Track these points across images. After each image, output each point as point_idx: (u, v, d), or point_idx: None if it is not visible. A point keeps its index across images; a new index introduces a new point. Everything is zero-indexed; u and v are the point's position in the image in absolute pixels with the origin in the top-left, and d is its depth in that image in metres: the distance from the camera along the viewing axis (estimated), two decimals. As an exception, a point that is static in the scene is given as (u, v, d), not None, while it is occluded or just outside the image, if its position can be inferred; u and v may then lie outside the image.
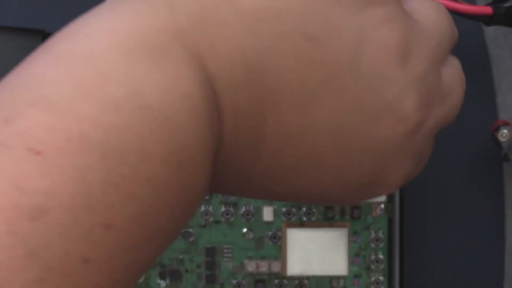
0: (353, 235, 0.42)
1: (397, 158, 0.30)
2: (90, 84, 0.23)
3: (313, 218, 0.42)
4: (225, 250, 0.43)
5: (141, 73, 0.24)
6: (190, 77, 0.25)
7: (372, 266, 0.42)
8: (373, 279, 0.43)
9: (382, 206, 0.42)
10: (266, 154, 0.28)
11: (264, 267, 0.42)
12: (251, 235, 0.42)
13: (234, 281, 0.43)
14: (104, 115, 0.23)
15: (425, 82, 0.29)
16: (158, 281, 0.43)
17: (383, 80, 0.28)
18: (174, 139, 0.24)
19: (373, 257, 0.42)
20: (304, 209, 0.42)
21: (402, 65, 0.29)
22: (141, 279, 0.42)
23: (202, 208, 0.42)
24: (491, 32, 0.43)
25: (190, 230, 0.42)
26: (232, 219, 0.42)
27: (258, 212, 0.42)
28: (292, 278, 0.42)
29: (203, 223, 0.42)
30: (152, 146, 0.23)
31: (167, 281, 0.43)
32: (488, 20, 0.37)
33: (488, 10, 0.37)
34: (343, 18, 0.28)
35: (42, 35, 0.42)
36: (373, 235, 0.42)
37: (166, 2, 0.26)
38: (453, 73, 0.31)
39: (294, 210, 0.42)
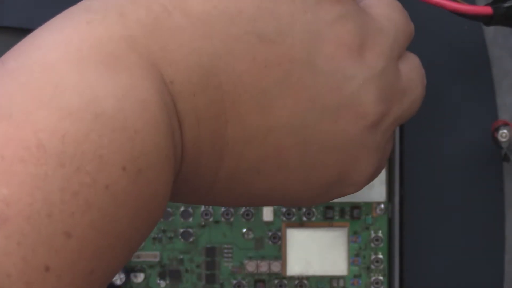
0: (353, 235, 0.42)
1: (360, 154, 0.30)
2: (45, 94, 0.23)
3: (313, 218, 0.42)
4: (225, 250, 0.43)
5: (95, 82, 0.24)
6: (145, 84, 0.25)
7: (372, 266, 0.42)
8: (373, 279, 0.43)
9: (382, 206, 0.42)
10: (229, 158, 0.28)
11: (264, 267, 0.42)
12: (251, 235, 0.42)
13: (234, 281, 0.43)
14: (60, 124, 0.23)
15: (383, 77, 0.29)
16: (158, 281, 0.43)
17: (340, 76, 0.28)
18: (132, 147, 0.24)
19: (373, 257, 0.42)
20: (304, 209, 0.42)
21: (358, 61, 0.29)
22: (141, 279, 0.42)
23: (202, 208, 0.42)
24: (491, 32, 0.43)
25: (190, 230, 0.42)
26: (232, 219, 0.42)
27: (258, 212, 0.42)
28: (292, 278, 0.42)
29: (203, 223, 0.42)
30: (110, 154, 0.23)
31: (167, 281, 0.43)
32: (488, 20, 0.37)
33: (488, 10, 0.37)
34: (295, 16, 0.28)
35: (42, 35, 0.42)
36: (373, 235, 0.42)
37: (117, 10, 0.26)
38: (411, 68, 0.32)
39: (294, 210, 0.42)
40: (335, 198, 0.32)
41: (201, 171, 0.28)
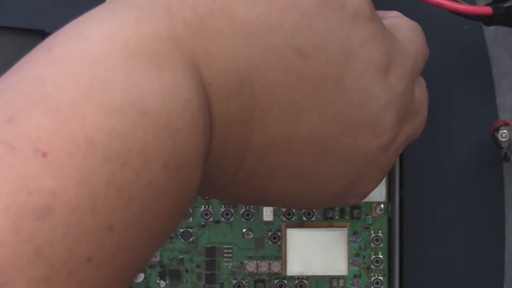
0: (353, 235, 0.42)
1: (369, 170, 0.31)
2: (92, 89, 0.24)
3: (313, 218, 0.42)
4: (225, 250, 0.43)
5: (141, 80, 0.24)
6: (188, 85, 0.25)
7: (372, 266, 0.42)
8: (373, 279, 0.43)
9: (382, 206, 0.42)
10: (250, 161, 0.29)
11: (264, 267, 0.42)
12: (251, 235, 0.42)
13: (234, 281, 0.43)
14: (107, 120, 0.23)
15: (402, 98, 0.30)
16: (158, 281, 0.43)
17: (366, 95, 0.29)
18: (174, 145, 0.24)
19: (373, 257, 0.42)
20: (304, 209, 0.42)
21: (383, 82, 0.30)
22: (141, 279, 0.42)
23: (202, 208, 0.42)
24: (491, 32, 0.43)
25: (190, 230, 0.42)
26: (232, 219, 0.42)
27: (258, 212, 0.42)
28: (292, 278, 0.42)
29: (203, 223, 0.42)
30: (153, 151, 0.24)
31: (167, 281, 0.43)
32: (488, 20, 0.37)
33: (488, 10, 0.37)
34: (332, 33, 0.28)
35: (42, 35, 0.42)
36: (373, 235, 0.42)
37: (164, 8, 0.26)
38: (421, 91, 0.33)
39: (294, 210, 0.42)
40: (337, 205, 0.33)
41: (222, 171, 0.29)
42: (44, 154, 0.22)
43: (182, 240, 0.42)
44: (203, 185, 0.29)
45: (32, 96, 0.23)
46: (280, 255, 0.42)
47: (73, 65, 0.24)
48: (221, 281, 0.43)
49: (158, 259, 0.42)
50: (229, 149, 0.28)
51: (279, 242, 0.42)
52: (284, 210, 0.42)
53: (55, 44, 0.25)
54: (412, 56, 0.31)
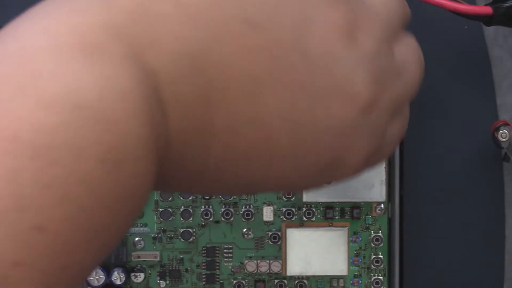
0: (353, 235, 0.42)
1: (353, 138, 0.29)
2: (22, 83, 0.23)
3: (313, 218, 0.42)
4: (225, 250, 0.43)
5: (74, 71, 0.23)
6: (126, 74, 0.24)
7: (372, 266, 0.42)
8: (373, 279, 0.43)
9: (382, 206, 0.42)
10: (217, 147, 0.27)
11: (264, 267, 0.42)
12: (251, 235, 0.42)
13: (234, 281, 0.43)
14: (36, 114, 0.22)
15: (375, 59, 0.29)
16: (158, 281, 0.43)
17: (331, 59, 0.28)
18: (110, 138, 0.23)
19: (373, 257, 0.42)
20: (304, 209, 0.42)
21: (349, 44, 0.28)
22: (141, 279, 0.42)
23: (202, 208, 0.42)
24: (491, 32, 0.43)
25: (190, 230, 0.42)
26: (232, 219, 0.42)
27: (258, 212, 0.42)
28: (292, 278, 0.42)
29: (203, 223, 0.42)
30: (86, 145, 0.23)
31: (167, 281, 0.43)
32: (488, 20, 0.37)
33: (488, 10, 0.37)
34: (284, 0, 0.27)
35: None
36: (373, 235, 0.42)
37: None
38: (407, 50, 0.31)
39: (294, 210, 0.42)
40: (331, 182, 0.31)
41: (188, 161, 0.27)
42: None
43: (182, 240, 0.42)
44: (171, 180, 0.28)
45: None
46: (280, 255, 0.42)
47: (2, 64, 0.23)
48: (221, 281, 0.43)
49: (158, 259, 0.42)
50: (191, 136, 0.26)
51: (279, 242, 0.42)
52: (284, 210, 0.42)
53: None
54: (383, 15, 0.30)
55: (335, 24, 0.28)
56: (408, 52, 0.31)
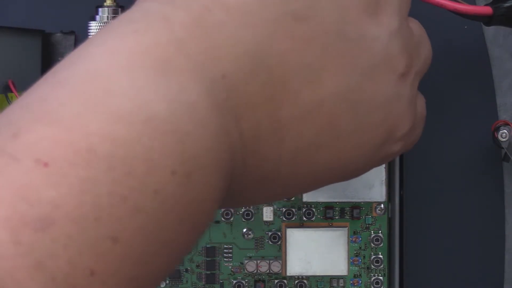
0: (353, 235, 0.42)
1: (398, 109, 0.31)
2: (95, 99, 0.23)
3: (313, 218, 0.42)
4: (225, 250, 0.43)
5: (145, 86, 0.24)
6: (195, 86, 0.25)
7: (372, 266, 0.42)
8: (373, 279, 0.43)
9: (382, 206, 0.42)
10: (290, 139, 0.29)
11: (264, 267, 0.42)
12: (251, 235, 0.42)
13: (234, 281, 0.43)
14: (110, 128, 0.23)
15: (400, 33, 0.31)
16: (158, 281, 0.43)
17: (367, 39, 0.30)
18: (182, 150, 0.24)
19: (373, 257, 0.42)
20: (304, 209, 0.42)
21: (377, 22, 0.30)
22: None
23: (202, 208, 0.42)
24: (491, 32, 0.43)
25: (190, 230, 0.42)
26: (232, 219, 0.42)
27: (258, 212, 0.42)
28: (292, 278, 0.42)
29: (203, 223, 0.42)
30: (160, 158, 0.23)
31: (167, 281, 0.43)
32: (488, 20, 0.37)
33: (488, 10, 0.37)
34: None
35: (42, 35, 0.42)
36: (373, 235, 0.42)
37: (159, 16, 0.26)
38: (417, 26, 0.34)
39: (294, 210, 0.42)
40: (386, 161, 0.33)
41: (265, 160, 0.28)
42: (46, 164, 0.22)
43: (182, 240, 0.42)
44: (251, 186, 0.29)
45: (35, 112, 0.23)
46: (280, 255, 0.42)
47: (75, 82, 0.24)
48: (221, 281, 0.43)
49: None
50: (264, 134, 0.28)
51: (279, 242, 0.42)
52: (284, 210, 0.42)
53: (59, 68, 0.25)
54: None
55: (363, 7, 0.30)
56: (419, 28, 0.34)
